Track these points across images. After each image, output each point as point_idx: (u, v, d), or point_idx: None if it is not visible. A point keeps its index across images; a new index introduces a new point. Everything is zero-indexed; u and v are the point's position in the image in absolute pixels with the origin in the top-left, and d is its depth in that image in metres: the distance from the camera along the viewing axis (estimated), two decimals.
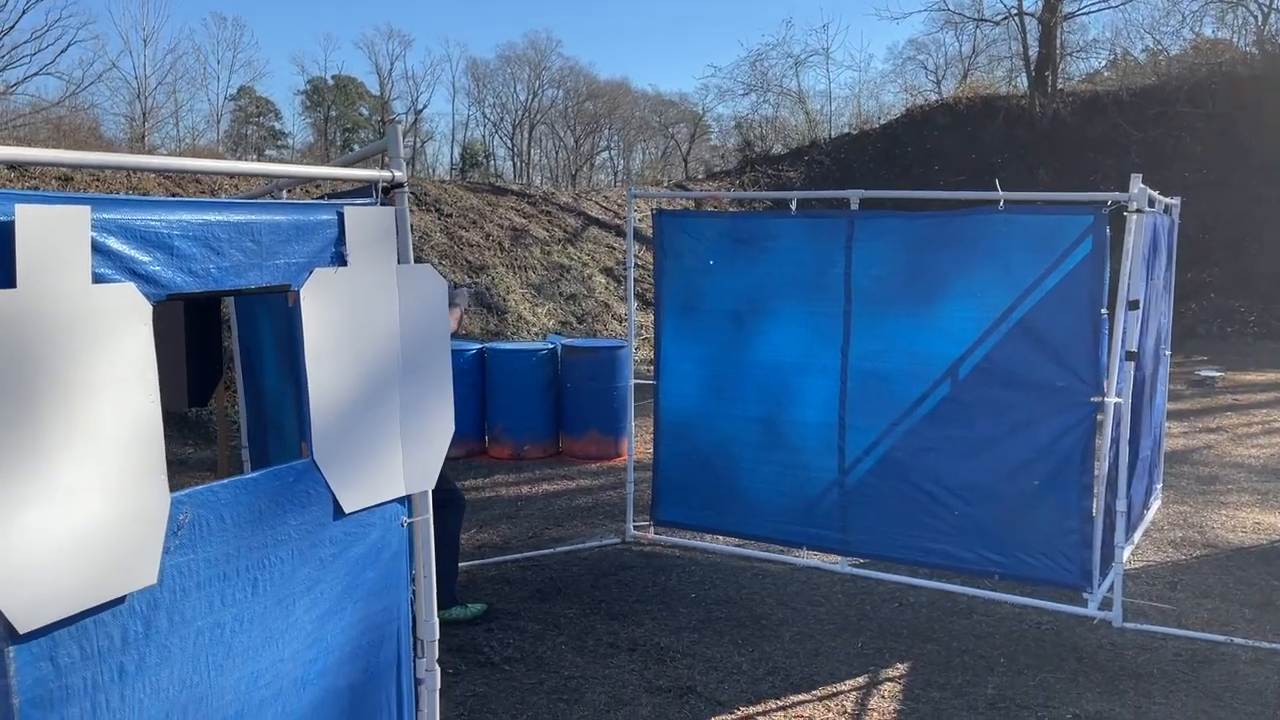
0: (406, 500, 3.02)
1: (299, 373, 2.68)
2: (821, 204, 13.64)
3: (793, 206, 6.21)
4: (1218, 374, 13.48)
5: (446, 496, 5.07)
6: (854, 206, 5.94)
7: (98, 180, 11.73)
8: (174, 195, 11.66)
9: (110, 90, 49.28)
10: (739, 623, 5.43)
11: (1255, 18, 24.69)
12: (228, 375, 6.57)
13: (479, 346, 9.65)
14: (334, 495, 2.74)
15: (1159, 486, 7.92)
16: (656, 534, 6.84)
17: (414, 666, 3.11)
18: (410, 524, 3.04)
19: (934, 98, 27.93)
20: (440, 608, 4.83)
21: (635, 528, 6.88)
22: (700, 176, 27.43)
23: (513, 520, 7.43)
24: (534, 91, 43.12)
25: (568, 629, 5.33)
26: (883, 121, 26.24)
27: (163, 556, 2.25)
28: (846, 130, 26.83)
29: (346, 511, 2.78)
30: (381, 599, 2.95)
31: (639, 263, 14.80)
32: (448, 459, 3.21)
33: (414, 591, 3.12)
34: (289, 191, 5.71)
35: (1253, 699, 4.53)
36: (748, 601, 5.74)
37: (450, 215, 15.76)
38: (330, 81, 44.24)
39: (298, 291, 2.63)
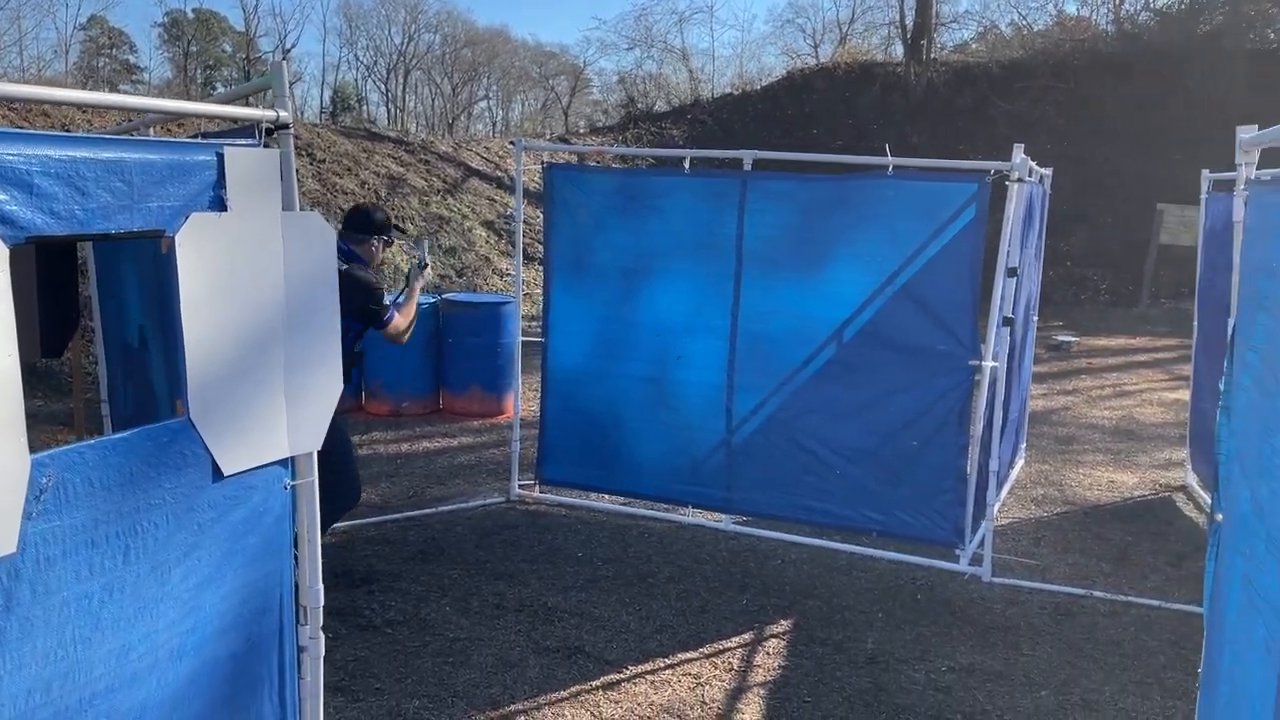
0: (290, 462, 2.86)
1: (173, 325, 2.48)
2: (706, 163, 13.63)
3: (686, 165, 6.16)
4: (1073, 339, 14.17)
5: (344, 486, 4.64)
6: (747, 167, 5.92)
7: None
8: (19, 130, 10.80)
9: None
10: (626, 581, 5.43)
11: None
12: (84, 324, 6.15)
13: None
14: (212, 456, 2.57)
15: (1023, 446, 8.29)
16: (542, 493, 6.77)
17: (297, 634, 2.97)
18: (294, 487, 2.89)
19: (812, 62, 28.23)
20: None
21: (520, 486, 6.79)
22: (582, 130, 27.11)
23: (392, 479, 7.24)
24: (409, 35, 41.74)
25: (452, 590, 5.23)
26: (764, 83, 26.39)
27: (23, 523, 2.06)
28: (729, 90, 26.89)
29: (226, 474, 2.61)
30: (263, 565, 2.80)
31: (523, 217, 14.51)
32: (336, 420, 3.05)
33: (297, 557, 2.97)
34: (153, 130, 5.33)
35: (1112, 649, 4.79)
36: (634, 560, 5.74)
37: (324, 161, 15.14)
38: (191, 15, 41.73)
39: (172, 238, 2.43)
